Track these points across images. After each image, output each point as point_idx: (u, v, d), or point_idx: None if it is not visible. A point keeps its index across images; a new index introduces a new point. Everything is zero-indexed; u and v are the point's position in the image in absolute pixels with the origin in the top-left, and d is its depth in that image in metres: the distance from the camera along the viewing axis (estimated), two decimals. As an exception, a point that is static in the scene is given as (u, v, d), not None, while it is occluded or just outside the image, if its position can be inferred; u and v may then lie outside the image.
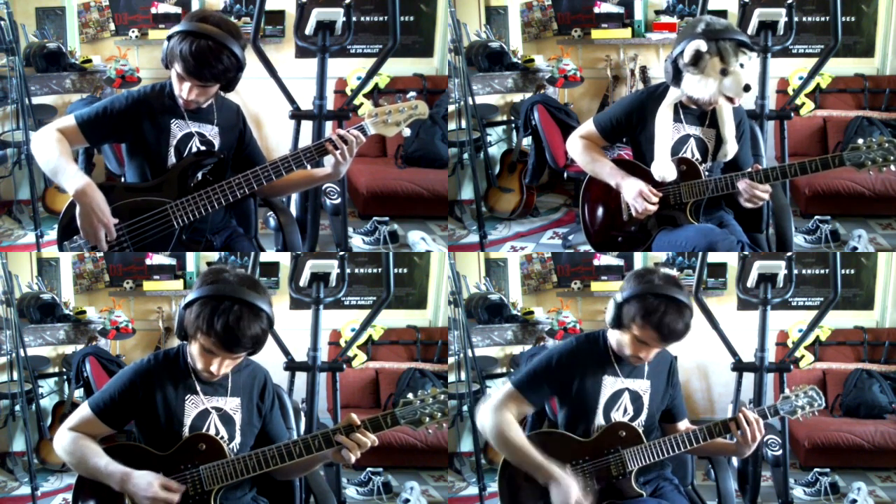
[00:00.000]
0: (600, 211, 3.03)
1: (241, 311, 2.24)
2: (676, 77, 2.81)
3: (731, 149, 2.91)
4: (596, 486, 2.51)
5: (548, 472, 2.45)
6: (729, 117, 2.91)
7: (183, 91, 2.65)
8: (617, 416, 2.56)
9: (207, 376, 2.36)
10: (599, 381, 2.56)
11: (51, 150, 2.63)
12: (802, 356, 4.47)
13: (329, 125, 3.77)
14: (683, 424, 2.69)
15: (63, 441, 2.37)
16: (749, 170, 2.84)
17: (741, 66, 2.74)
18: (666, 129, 2.86)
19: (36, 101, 4.38)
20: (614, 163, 2.99)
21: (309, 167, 2.82)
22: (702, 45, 2.71)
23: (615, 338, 2.54)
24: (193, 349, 2.35)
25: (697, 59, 2.74)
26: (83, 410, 2.40)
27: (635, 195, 2.88)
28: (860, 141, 2.72)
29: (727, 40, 2.72)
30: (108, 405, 2.38)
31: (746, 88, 2.74)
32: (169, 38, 2.62)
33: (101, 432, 2.39)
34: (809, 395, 2.61)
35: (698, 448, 2.57)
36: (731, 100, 2.79)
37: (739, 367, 3.62)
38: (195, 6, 4.49)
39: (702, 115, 2.92)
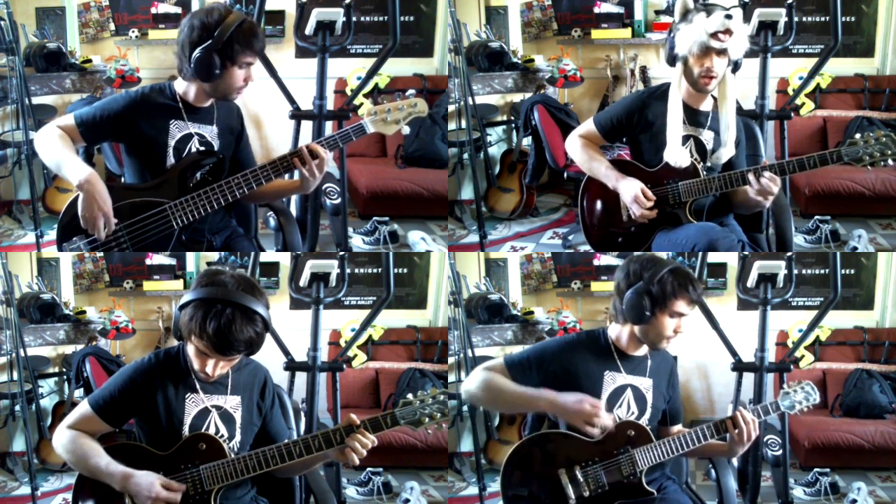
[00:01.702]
0: (599, 211, 3.03)
1: (233, 315, 2.23)
2: (672, 47, 2.84)
3: (725, 153, 2.91)
4: (606, 486, 2.50)
5: (547, 398, 2.45)
6: (732, 120, 2.91)
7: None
8: (620, 413, 2.55)
9: (204, 377, 2.37)
10: (600, 378, 2.55)
11: (53, 145, 2.65)
12: (802, 356, 4.47)
13: (329, 125, 3.77)
14: (677, 429, 2.69)
15: (62, 439, 2.37)
16: (749, 167, 2.84)
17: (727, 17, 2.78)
18: (677, 115, 2.87)
19: (36, 101, 4.38)
20: (614, 163, 2.99)
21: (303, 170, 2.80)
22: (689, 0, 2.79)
23: (637, 332, 2.52)
24: (190, 350, 2.35)
25: (686, 13, 2.79)
26: (83, 408, 2.40)
27: (631, 200, 2.89)
28: (857, 136, 2.73)
29: (716, 6, 2.78)
30: (109, 403, 2.38)
31: (728, 17, 2.74)
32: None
33: (100, 430, 2.39)
34: (805, 390, 2.64)
35: (694, 450, 2.58)
36: (716, 37, 2.76)
37: (739, 367, 3.62)
38: (195, 6, 4.49)
39: (703, 117, 2.93)
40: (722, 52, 2.78)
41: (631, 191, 2.89)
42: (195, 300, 2.26)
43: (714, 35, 2.76)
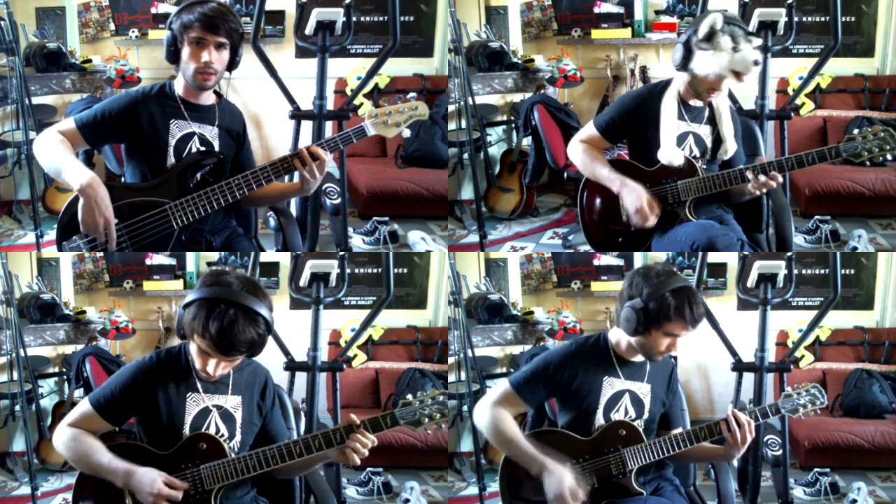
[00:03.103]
0: (599, 210, 3.03)
1: (236, 316, 2.24)
2: (686, 58, 2.83)
3: (730, 146, 2.94)
4: (595, 483, 2.51)
5: (540, 463, 2.46)
6: (727, 116, 2.93)
7: (203, 56, 2.64)
8: (617, 417, 2.56)
9: (206, 376, 2.37)
10: (600, 383, 2.56)
11: (53, 150, 2.65)
12: (802, 356, 4.47)
13: (329, 125, 3.77)
14: (676, 432, 2.69)
15: (63, 437, 2.38)
16: (748, 165, 2.85)
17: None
18: (671, 116, 2.88)
19: (36, 101, 4.38)
20: (613, 163, 3.00)
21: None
22: (718, 19, 2.76)
23: (632, 342, 2.53)
24: (192, 349, 2.36)
25: (712, 35, 2.77)
26: (83, 406, 2.40)
27: (634, 211, 2.90)
28: (856, 131, 2.73)
29: (737, 26, 2.79)
30: (109, 401, 2.39)
31: (756, 63, 2.77)
32: (170, 25, 2.65)
33: (100, 428, 2.40)
34: (812, 394, 2.61)
35: (688, 454, 2.57)
36: (738, 76, 2.79)
37: (739, 367, 3.62)
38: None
39: (700, 112, 2.94)
40: None
41: (634, 202, 2.89)
42: (198, 300, 2.26)
43: (737, 74, 2.78)
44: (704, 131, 2.95)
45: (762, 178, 2.76)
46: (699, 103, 2.94)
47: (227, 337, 2.24)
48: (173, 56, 2.70)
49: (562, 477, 2.42)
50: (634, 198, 2.89)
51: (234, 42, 2.69)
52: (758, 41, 2.82)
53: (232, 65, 2.73)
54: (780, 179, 2.80)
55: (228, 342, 2.25)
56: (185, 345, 2.41)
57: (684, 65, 2.84)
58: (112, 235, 2.62)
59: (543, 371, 2.57)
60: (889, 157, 2.71)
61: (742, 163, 3.01)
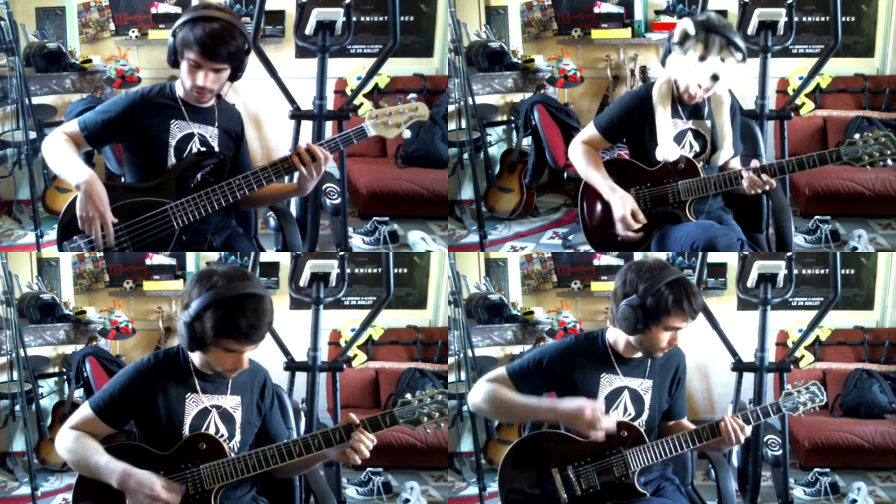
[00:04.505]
0: (600, 211, 3.03)
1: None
2: (665, 57, 2.87)
3: (724, 155, 2.94)
4: (598, 485, 2.51)
5: (556, 409, 2.46)
6: (727, 117, 2.93)
7: (198, 79, 2.65)
8: (616, 414, 2.56)
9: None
10: (597, 380, 2.56)
11: (57, 150, 2.68)
12: (802, 356, 4.47)
13: (329, 125, 3.77)
14: (674, 423, 2.69)
15: (65, 440, 2.38)
16: (748, 166, 2.86)
17: (722, 60, 2.76)
18: (665, 114, 2.89)
19: (36, 101, 4.38)
20: (613, 163, 3.00)
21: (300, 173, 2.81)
22: (689, 26, 2.76)
23: (631, 340, 2.52)
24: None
25: (683, 39, 2.78)
26: (84, 410, 2.41)
27: (619, 219, 2.91)
28: (857, 136, 2.74)
29: (718, 35, 2.75)
30: (109, 404, 2.39)
31: (714, 78, 2.78)
32: (174, 33, 2.65)
33: (101, 431, 2.40)
34: (811, 391, 2.61)
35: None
36: (699, 88, 2.81)
37: (739, 367, 3.62)
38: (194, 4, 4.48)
39: (699, 108, 2.94)
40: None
41: (619, 210, 2.90)
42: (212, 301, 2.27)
43: (698, 85, 2.80)
44: (703, 126, 2.95)
45: (759, 177, 2.77)
46: (696, 100, 2.95)
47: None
48: (175, 62, 2.70)
49: (586, 404, 2.42)
50: (619, 206, 2.90)
51: (234, 63, 2.68)
52: (739, 55, 2.78)
53: (234, 78, 2.73)
54: (774, 184, 2.81)
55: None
56: (183, 347, 2.41)
57: (664, 62, 2.87)
58: (109, 231, 2.63)
59: (538, 363, 2.57)
60: (889, 161, 2.72)
61: (739, 152, 3.03)
